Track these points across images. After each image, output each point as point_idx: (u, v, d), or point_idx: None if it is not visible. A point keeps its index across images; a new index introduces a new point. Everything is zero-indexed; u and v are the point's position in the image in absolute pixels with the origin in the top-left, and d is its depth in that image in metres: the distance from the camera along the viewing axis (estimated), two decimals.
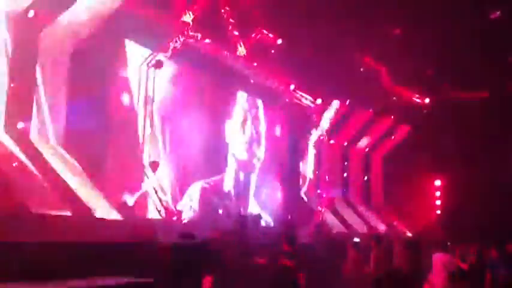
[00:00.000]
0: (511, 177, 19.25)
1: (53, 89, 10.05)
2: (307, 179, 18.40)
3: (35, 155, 9.03)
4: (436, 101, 19.44)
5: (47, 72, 9.92)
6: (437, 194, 21.61)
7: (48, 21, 9.69)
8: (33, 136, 9.43)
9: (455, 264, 9.68)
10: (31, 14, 9.42)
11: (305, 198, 17.96)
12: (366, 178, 21.69)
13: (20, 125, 9.14)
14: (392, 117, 20.72)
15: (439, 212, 21.31)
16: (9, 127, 8.97)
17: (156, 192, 11.91)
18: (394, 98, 19.05)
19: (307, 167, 18.54)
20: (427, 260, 9.98)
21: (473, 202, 18.83)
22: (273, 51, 16.23)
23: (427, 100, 19.63)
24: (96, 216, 9.28)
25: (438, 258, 9.44)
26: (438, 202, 21.51)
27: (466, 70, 17.15)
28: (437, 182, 21.62)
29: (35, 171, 8.78)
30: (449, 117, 19.59)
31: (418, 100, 19.52)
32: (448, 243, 10.22)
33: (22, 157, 8.74)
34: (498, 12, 14.33)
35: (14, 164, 8.53)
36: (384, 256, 12.11)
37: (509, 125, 19.10)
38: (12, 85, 9.14)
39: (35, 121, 9.62)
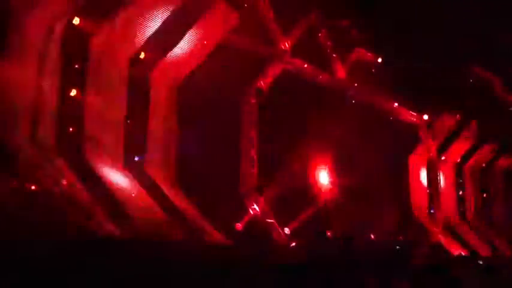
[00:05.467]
0: None
1: (164, 121, 10.80)
2: (418, 197, 17.61)
3: (150, 185, 9.69)
4: None
5: (160, 107, 10.71)
6: None
7: (157, 60, 10.53)
8: (148, 167, 10.17)
9: None
10: (142, 55, 10.31)
11: (417, 217, 17.18)
12: (484, 195, 20.21)
13: (137, 158, 9.91)
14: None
15: None
16: (127, 161, 9.74)
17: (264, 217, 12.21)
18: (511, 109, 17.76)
19: (418, 185, 17.77)
20: None
21: None
22: (373, 70, 16.08)
23: None
24: (206, 241, 9.66)
25: None
26: None
27: None
28: None
29: (151, 201, 9.41)
30: None
31: None
32: None
33: (139, 187, 9.43)
34: None
35: (132, 194, 9.23)
36: None
37: None
38: (129, 121, 9.98)
39: (149, 153, 10.38)
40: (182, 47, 10.76)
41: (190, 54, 10.88)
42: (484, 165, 20.36)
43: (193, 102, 10.96)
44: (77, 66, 9.15)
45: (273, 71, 13.66)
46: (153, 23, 10.05)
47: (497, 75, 16.49)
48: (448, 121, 18.16)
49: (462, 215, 19.04)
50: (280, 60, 13.76)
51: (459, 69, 15.60)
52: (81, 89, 9.10)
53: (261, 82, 13.42)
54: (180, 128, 11.01)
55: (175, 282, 7.22)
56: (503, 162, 20.45)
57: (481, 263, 11.54)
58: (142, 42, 10.23)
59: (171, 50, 10.70)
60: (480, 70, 16.19)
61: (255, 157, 12.83)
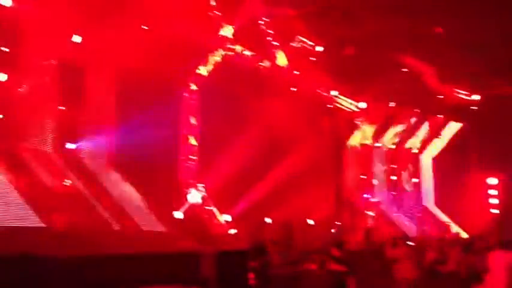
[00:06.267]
0: None
1: (102, 110, 10.55)
2: (353, 183, 18.23)
3: (85, 173, 9.48)
4: (486, 97, 18.84)
5: (96, 95, 10.45)
6: (493, 192, 20.80)
7: (94, 47, 10.23)
8: (84, 155, 9.93)
9: None
10: (77, 40, 9.98)
11: (352, 203, 17.79)
12: (416, 180, 21.19)
13: (69, 145, 9.64)
14: (441, 116, 20.26)
15: (495, 211, 20.50)
16: (59, 147, 9.46)
17: (203, 205, 12.24)
18: (442, 97, 18.61)
19: (353, 171, 18.37)
20: (482, 261, 9.70)
21: None
22: (313, 58, 16.33)
23: (476, 97, 19.05)
24: (144, 230, 9.59)
25: (499, 257, 9.16)
26: (494, 201, 20.69)
27: None
28: (493, 181, 20.81)
29: (85, 189, 9.22)
30: (501, 113, 18.90)
31: (467, 98, 18.98)
32: None
33: (73, 176, 9.20)
34: None
35: (64, 182, 9.00)
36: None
37: None
38: (61, 108, 9.68)
39: (85, 141, 10.13)
40: (120, 33, 10.49)
41: (129, 41, 10.64)
42: (415, 151, 21.33)
43: (132, 90, 10.77)
44: (5, 49, 8.77)
45: (214, 59, 13.61)
46: (90, 7, 9.75)
47: (429, 65, 17.13)
48: (384, 108, 18.83)
49: (395, 199, 19.90)
50: (221, 48, 13.73)
51: (394, 58, 16.09)
52: (9, 74, 8.72)
53: (202, 69, 13.36)
54: (118, 116, 10.81)
55: (111, 272, 7.15)
56: (432, 148, 21.54)
57: (411, 244, 12.18)
58: (77, 27, 9.92)
59: (109, 36, 10.42)
60: (413, 60, 16.77)
61: (195, 145, 12.80)
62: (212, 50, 13.41)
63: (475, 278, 9.21)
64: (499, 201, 20.45)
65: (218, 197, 12.53)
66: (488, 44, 15.07)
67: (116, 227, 9.16)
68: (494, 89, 18.42)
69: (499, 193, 20.56)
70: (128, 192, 10.30)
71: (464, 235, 18.86)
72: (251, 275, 8.17)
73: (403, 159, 20.83)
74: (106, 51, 10.57)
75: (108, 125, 10.74)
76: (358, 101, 17.85)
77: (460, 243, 12.52)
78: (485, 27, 14.15)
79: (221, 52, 13.71)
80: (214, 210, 12.47)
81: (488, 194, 20.76)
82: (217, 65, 13.65)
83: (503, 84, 18.17)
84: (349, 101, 17.71)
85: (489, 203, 20.63)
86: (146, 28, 11.23)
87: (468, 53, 15.64)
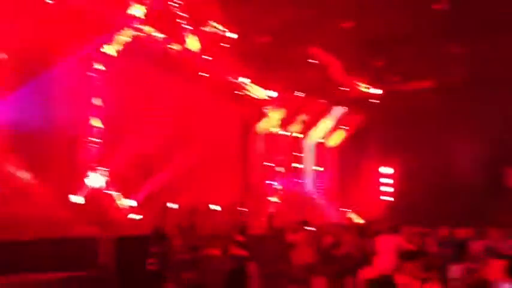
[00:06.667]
0: (454, 163, 20.17)
1: None
2: (259, 170, 18.62)
3: None
4: (385, 91, 19.98)
5: None
6: (388, 181, 22.27)
7: None
8: None
9: (405, 245, 10.08)
10: None
11: (257, 189, 18.18)
12: (319, 168, 22.08)
13: None
14: (345, 107, 21.20)
15: (389, 198, 21.99)
16: None
17: (103, 189, 11.90)
18: (347, 89, 19.41)
19: (259, 158, 18.75)
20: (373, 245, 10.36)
21: (419, 188, 19.66)
22: (225, 44, 16.31)
23: (377, 91, 20.13)
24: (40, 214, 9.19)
25: (387, 241, 9.84)
26: (388, 189, 22.18)
27: (413, 61, 17.65)
28: (388, 170, 22.27)
29: None
30: (399, 107, 20.19)
31: (368, 91, 19.98)
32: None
33: None
34: (443, 4, 14.73)
35: None
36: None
37: (453, 114, 19.91)
38: None
39: None
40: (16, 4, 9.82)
41: (27, 14, 10.00)
42: (320, 140, 22.18)
43: (29, 68, 10.15)
44: None
45: (122, 38, 13.19)
46: None
47: (335, 58, 17.73)
48: (292, 97, 19.33)
49: (298, 186, 20.60)
50: (130, 27, 13.32)
51: (304, 49, 16.48)
52: None
53: (108, 48, 12.89)
54: (13, 94, 10.16)
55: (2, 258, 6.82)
56: (335, 138, 22.51)
57: (311, 229, 12.73)
58: None
59: (5, 9, 9.72)
60: (321, 51, 17.27)
61: (99, 127, 12.36)
62: (120, 29, 12.97)
63: (366, 260, 9.80)
64: (392, 189, 21.96)
65: (121, 181, 12.25)
66: (388, 40, 15.90)
67: (8, 211, 8.67)
68: (393, 85, 19.62)
69: (391, 182, 22.09)
70: (22, 174, 9.76)
71: (359, 220, 20.05)
72: (151, 260, 8.13)
73: (307, 148, 21.60)
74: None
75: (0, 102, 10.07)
76: (267, 89, 18.17)
77: (354, 228, 13.27)
78: (388, 24, 14.93)
79: (130, 32, 13.31)
80: (116, 194, 12.19)
81: (382, 182, 22.20)
82: (125, 45, 13.24)
83: (400, 80, 19.41)
84: (259, 88, 17.97)
85: (383, 191, 22.08)
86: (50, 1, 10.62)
87: (372, 48, 16.45)
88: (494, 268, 6.71)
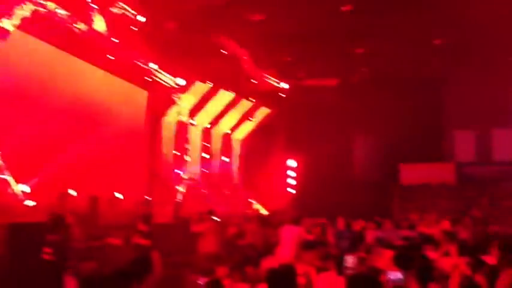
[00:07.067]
0: (353, 158, 21.38)
1: None
2: (166, 159, 18.39)
3: None
4: (292, 86, 20.58)
5: None
6: (291, 174, 23.00)
7: None
8: None
9: (305, 236, 10.48)
10: None
11: (163, 178, 17.94)
12: (226, 159, 22.26)
13: None
14: (253, 100, 21.53)
15: (292, 190, 22.72)
16: None
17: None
18: (255, 82, 19.70)
19: (167, 147, 18.51)
20: (276, 235, 10.66)
21: (320, 181, 20.57)
22: (134, 28, 15.80)
23: (285, 85, 20.66)
24: None
25: (289, 231, 10.15)
26: (292, 182, 22.91)
27: (319, 59, 18.34)
28: (292, 163, 22.99)
29: None
30: (304, 102, 20.91)
31: (276, 85, 20.45)
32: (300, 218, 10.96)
33: None
34: (349, 6, 15.38)
35: None
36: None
37: (354, 111, 21.02)
38: None
39: None
40: None
41: None
42: (229, 131, 22.35)
43: None
44: None
45: (21, 13, 12.28)
46: None
47: (245, 50, 17.90)
48: (200, 87, 19.24)
49: (205, 176, 20.64)
50: (31, 2, 12.45)
51: (215, 39, 16.45)
52: None
53: (5, 23, 11.93)
54: None
55: None
56: (243, 130, 22.83)
57: (216, 219, 12.80)
58: None
59: None
60: (231, 42, 17.34)
61: None
62: (19, 3, 12.06)
63: (269, 250, 10.05)
64: (296, 182, 22.70)
65: (16, 165, 11.46)
66: (297, 37, 16.33)
67: None
68: (299, 80, 20.26)
69: (294, 175, 22.84)
70: None
71: (264, 211, 20.53)
72: (47, 249, 7.71)
73: (215, 138, 21.66)
74: None
75: None
76: (177, 77, 17.91)
77: (258, 219, 13.55)
78: (297, 21, 15.32)
79: (30, 7, 12.43)
80: (10, 179, 11.38)
81: (288, 174, 22.88)
82: (25, 20, 12.34)
83: (306, 76, 20.10)
84: (168, 76, 17.67)
85: (288, 183, 22.76)
86: None
87: (280, 43, 16.80)
88: (384, 258, 7.16)
